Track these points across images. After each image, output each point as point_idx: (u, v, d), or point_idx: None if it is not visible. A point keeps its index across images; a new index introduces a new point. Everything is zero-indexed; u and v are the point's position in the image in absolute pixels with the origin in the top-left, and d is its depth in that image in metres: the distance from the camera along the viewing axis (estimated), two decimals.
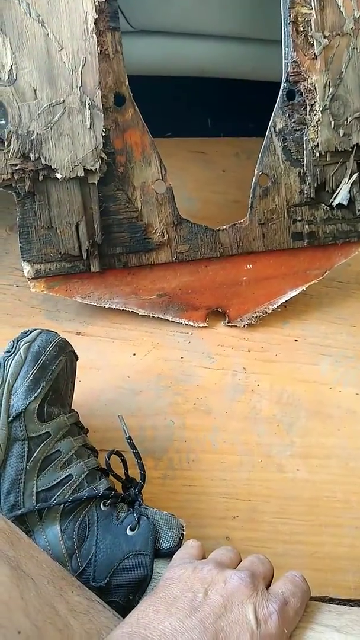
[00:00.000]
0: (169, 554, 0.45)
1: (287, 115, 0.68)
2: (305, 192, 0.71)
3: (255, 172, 0.69)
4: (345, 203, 0.71)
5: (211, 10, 0.78)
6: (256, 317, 0.73)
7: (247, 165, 0.92)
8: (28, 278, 0.66)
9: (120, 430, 0.52)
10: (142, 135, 0.65)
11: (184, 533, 0.48)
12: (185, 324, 0.72)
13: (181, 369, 0.70)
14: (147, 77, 0.83)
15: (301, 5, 0.66)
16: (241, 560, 0.42)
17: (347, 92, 0.69)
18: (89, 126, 0.62)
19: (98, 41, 0.61)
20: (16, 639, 0.31)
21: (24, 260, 0.65)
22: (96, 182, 0.64)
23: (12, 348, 0.51)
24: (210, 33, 0.83)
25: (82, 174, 0.63)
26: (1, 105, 0.60)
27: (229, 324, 0.74)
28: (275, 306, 0.73)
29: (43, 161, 0.61)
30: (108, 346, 0.70)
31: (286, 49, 0.67)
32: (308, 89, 0.67)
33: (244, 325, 0.74)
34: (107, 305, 0.69)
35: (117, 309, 0.70)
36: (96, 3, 0.60)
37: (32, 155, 0.61)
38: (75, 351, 0.56)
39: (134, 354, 0.70)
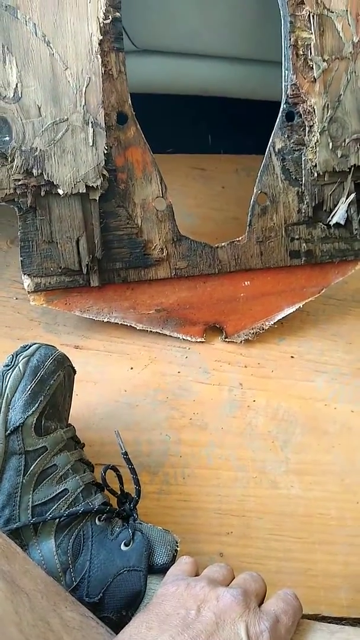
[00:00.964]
0: (162, 570, 0.45)
1: (286, 135, 0.70)
2: (303, 211, 0.72)
3: (255, 190, 0.70)
4: (342, 222, 0.73)
5: (213, 31, 0.80)
6: (253, 333, 0.74)
7: (247, 182, 0.93)
8: (28, 291, 0.66)
9: (116, 444, 0.52)
10: (143, 153, 0.66)
11: (178, 549, 0.48)
12: (183, 339, 0.73)
13: (178, 384, 0.70)
14: (149, 94, 0.85)
15: (301, 30, 0.67)
16: (234, 577, 0.42)
17: (345, 114, 0.70)
18: (91, 144, 0.63)
19: (102, 61, 0.62)
20: None
21: (25, 274, 0.65)
22: (97, 198, 0.65)
23: (11, 362, 0.52)
24: (213, 53, 0.84)
25: (84, 190, 0.64)
26: (5, 122, 0.61)
27: (226, 340, 0.74)
28: (272, 323, 0.74)
29: (45, 177, 0.62)
30: (106, 360, 0.71)
31: (286, 71, 0.68)
32: (307, 110, 0.69)
33: (241, 341, 0.74)
34: (105, 319, 0.70)
35: (116, 323, 0.70)
36: (101, 24, 0.61)
37: (34, 171, 0.62)
38: (73, 365, 0.57)
39: (131, 368, 0.71)
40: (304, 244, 0.73)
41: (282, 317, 0.74)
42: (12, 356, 0.52)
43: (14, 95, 0.60)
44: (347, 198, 0.72)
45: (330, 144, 0.70)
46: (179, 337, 0.73)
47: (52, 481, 0.49)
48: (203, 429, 0.67)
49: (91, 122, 0.63)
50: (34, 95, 0.61)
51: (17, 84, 0.60)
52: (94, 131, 0.63)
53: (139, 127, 0.65)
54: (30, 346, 0.53)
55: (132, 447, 0.63)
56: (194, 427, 0.67)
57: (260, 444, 0.67)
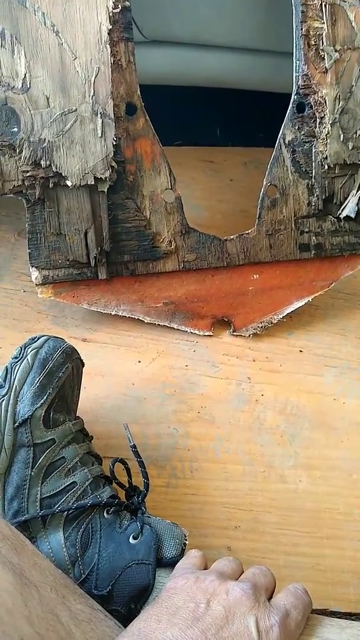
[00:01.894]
0: (171, 564, 0.45)
1: (296, 127, 0.69)
2: (313, 203, 0.71)
3: (264, 183, 0.70)
4: (352, 215, 0.72)
5: (223, 21, 0.79)
6: (261, 327, 0.74)
7: (255, 174, 0.93)
8: (36, 284, 0.66)
9: (124, 437, 0.52)
10: (152, 144, 0.66)
11: (187, 543, 0.48)
12: (191, 333, 0.73)
13: (186, 377, 0.70)
14: (158, 85, 0.84)
15: (313, 19, 0.66)
16: (243, 571, 0.42)
17: (356, 105, 0.69)
18: (100, 135, 0.63)
19: (111, 51, 0.61)
20: None
21: (32, 266, 0.65)
22: (106, 190, 0.64)
23: (19, 354, 0.51)
24: (222, 44, 0.83)
25: (92, 182, 0.63)
26: (14, 112, 0.60)
27: (234, 334, 0.74)
28: (280, 316, 0.74)
29: (54, 168, 0.62)
30: (113, 353, 0.71)
31: (297, 62, 0.67)
32: (318, 101, 0.68)
33: (249, 335, 0.74)
34: (113, 312, 0.69)
35: (123, 316, 0.70)
36: (110, 14, 0.61)
37: (43, 163, 0.62)
38: (82, 357, 0.57)
39: (139, 361, 0.70)
40: (314, 237, 0.72)
41: (291, 311, 0.74)
42: (21, 348, 0.52)
43: (22, 86, 0.60)
44: (357, 191, 0.72)
45: (342, 136, 0.69)
46: (186, 331, 0.72)
47: (61, 474, 0.49)
48: (211, 423, 0.67)
49: (100, 113, 0.62)
50: (43, 86, 0.60)
51: (25, 74, 0.60)
52: (102, 122, 0.62)
53: (148, 118, 0.65)
54: (38, 338, 0.53)
55: (140, 441, 0.63)
56: (202, 420, 0.67)
57: (269, 438, 0.66)
